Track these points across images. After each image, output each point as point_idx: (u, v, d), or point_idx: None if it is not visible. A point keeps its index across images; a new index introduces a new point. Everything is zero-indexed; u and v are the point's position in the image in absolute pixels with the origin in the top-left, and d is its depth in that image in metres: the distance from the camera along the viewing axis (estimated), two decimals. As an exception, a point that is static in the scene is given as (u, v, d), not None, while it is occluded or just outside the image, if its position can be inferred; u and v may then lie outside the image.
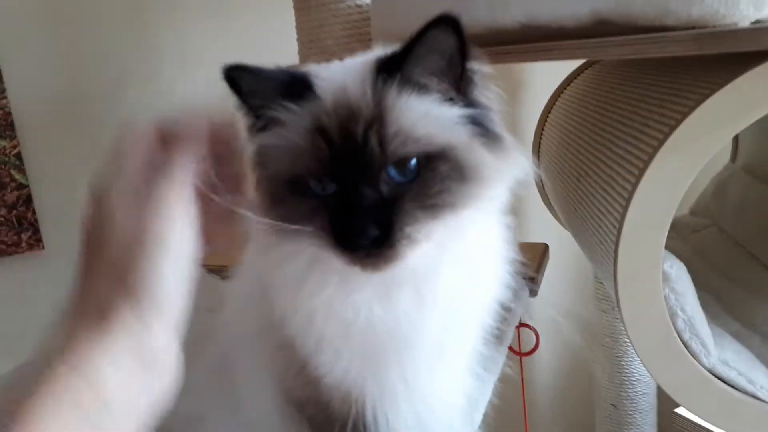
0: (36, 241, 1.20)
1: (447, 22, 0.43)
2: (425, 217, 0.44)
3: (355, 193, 0.42)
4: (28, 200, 1.18)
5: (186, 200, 0.41)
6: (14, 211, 1.16)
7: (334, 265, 0.45)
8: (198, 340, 0.54)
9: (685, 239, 1.15)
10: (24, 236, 1.19)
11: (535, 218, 1.52)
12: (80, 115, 1.25)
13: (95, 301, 0.40)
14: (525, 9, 0.60)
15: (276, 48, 1.10)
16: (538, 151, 1.25)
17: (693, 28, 0.49)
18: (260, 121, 0.47)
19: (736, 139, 1.21)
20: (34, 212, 1.19)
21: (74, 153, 1.22)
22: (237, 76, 0.46)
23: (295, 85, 0.46)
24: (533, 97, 1.41)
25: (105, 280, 0.40)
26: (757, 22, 0.49)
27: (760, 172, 1.13)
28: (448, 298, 0.50)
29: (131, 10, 1.25)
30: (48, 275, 1.22)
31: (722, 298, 0.94)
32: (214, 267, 0.83)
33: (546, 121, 1.23)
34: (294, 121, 0.45)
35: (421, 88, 0.45)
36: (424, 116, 0.44)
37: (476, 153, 0.45)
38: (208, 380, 0.60)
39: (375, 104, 0.44)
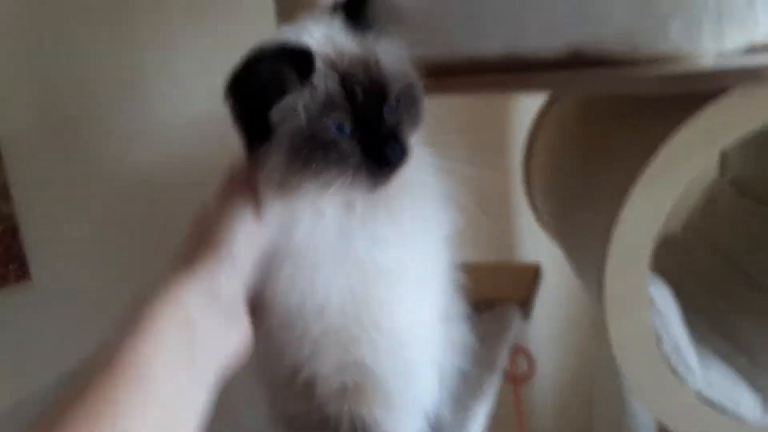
0: (23, 272, 1.19)
1: None
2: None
3: (377, 125, 0.50)
4: (15, 232, 1.18)
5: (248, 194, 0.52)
6: (0, 244, 1.16)
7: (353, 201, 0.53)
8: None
9: (677, 256, 1.16)
10: (11, 267, 1.18)
11: (527, 235, 1.52)
12: (67, 142, 1.25)
13: (186, 256, 0.50)
14: (504, 42, 0.61)
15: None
16: (528, 166, 1.25)
17: (661, 61, 0.50)
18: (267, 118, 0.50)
19: (724, 153, 1.21)
20: (20, 243, 1.19)
21: (61, 181, 1.22)
22: (247, 85, 0.49)
23: (303, 63, 0.49)
24: (524, 111, 1.42)
25: (195, 241, 0.51)
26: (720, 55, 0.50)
27: (748, 186, 1.13)
28: (414, 218, 0.56)
29: (115, 31, 1.25)
30: (36, 304, 1.22)
31: (712, 316, 0.95)
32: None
33: (537, 136, 1.24)
34: (313, 82, 0.49)
35: (381, 32, 0.53)
36: (395, 55, 0.52)
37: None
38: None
39: (368, 51, 0.51)
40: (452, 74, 0.70)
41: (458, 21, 0.65)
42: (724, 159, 1.22)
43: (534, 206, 1.29)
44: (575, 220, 0.83)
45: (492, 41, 0.62)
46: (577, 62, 0.56)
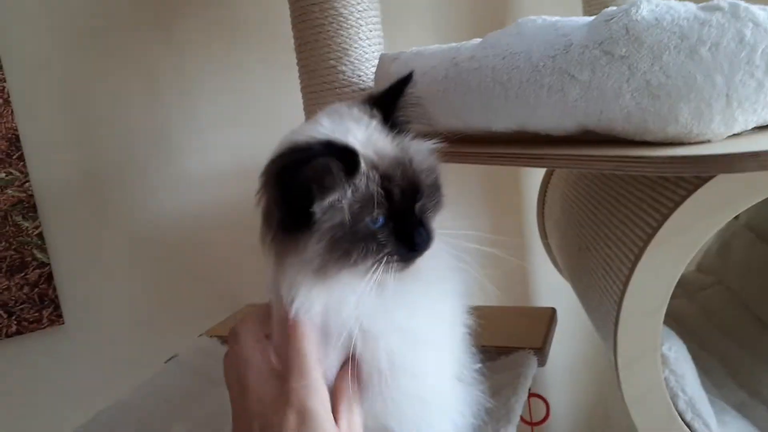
0: (57, 317, 1.24)
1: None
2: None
3: (409, 216, 0.55)
4: (49, 278, 1.23)
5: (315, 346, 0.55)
6: (36, 289, 1.21)
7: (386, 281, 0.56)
8: (218, 413, 0.58)
9: (692, 297, 1.16)
10: (45, 312, 1.23)
11: (542, 278, 1.53)
12: (98, 192, 1.30)
13: None
14: (516, 120, 0.64)
15: (283, 112, 1.14)
16: (542, 212, 1.27)
17: (671, 143, 0.52)
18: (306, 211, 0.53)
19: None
20: (54, 289, 1.23)
21: (93, 228, 1.27)
22: (303, 175, 0.51)
23: (350, 163, 0.53)
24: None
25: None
26: (733, 136, 0.52)
27: (763, 230, 1.14)
28: (438, 287, 0.61)
29: (142, 83, 1.31)
30: (69, 347, 1.27)
31: (728, 362, 0.95)
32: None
33: (549, 181, 1.26)
34: (355, 182, 0.54)
35: (409, 131, 0.59)
36: (424, 152, 0.58)
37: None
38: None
39: (403, 151, 0.57)
40: (467, 143, 0.73)
41: (472, 102, 0.68)
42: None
43: (548, 249, 1.31)
44: (588, 269, 0.85)
45: (504, 120, 0.65)
46: (587, 138, 0.59)
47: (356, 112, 0.59)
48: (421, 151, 0.58)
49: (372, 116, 0.58)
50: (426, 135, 0.60)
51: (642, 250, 0.68)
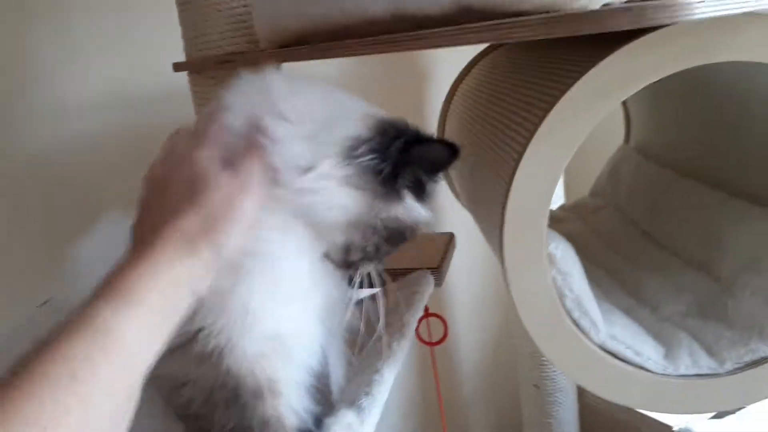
0: None
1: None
2: None
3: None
4: None
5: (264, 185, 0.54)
6: None
7: None
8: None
9: (585, 220, 1.19)
10: None
11: (444, 206, 1.53)
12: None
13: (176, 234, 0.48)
14: (393, 1, 0.60)
15: (163, 45, 1.05)
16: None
17: (548, 12, 0.50)
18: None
19: (628, 119, 1.26)
20: None
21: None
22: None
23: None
24: (438, 86, 1.43)
25: (191, 220, 0.49)
26: (606, 4, 0.51)
27: (651, 151, 1.18)
28: None
29: (8, 10, 1.18)
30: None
31: (616, 274, 0.98)
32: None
33: (448, 109, 1.25)
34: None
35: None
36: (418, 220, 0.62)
37: None
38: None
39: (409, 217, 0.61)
40: (346, 37, 0.69)
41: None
42: (629, 125, 1.26)
43: (448, 178, 1.30)
44: (479, 181, 0.84)
45: (380, 2, 0.61)
46: (466, 18, 0.56)
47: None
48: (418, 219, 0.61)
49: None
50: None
51: (524, 146, 0.67)
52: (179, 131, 0.58)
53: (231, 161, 0.53)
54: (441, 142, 0.62)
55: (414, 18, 0.59)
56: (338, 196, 0.56)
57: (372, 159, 0.56)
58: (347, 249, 0.59)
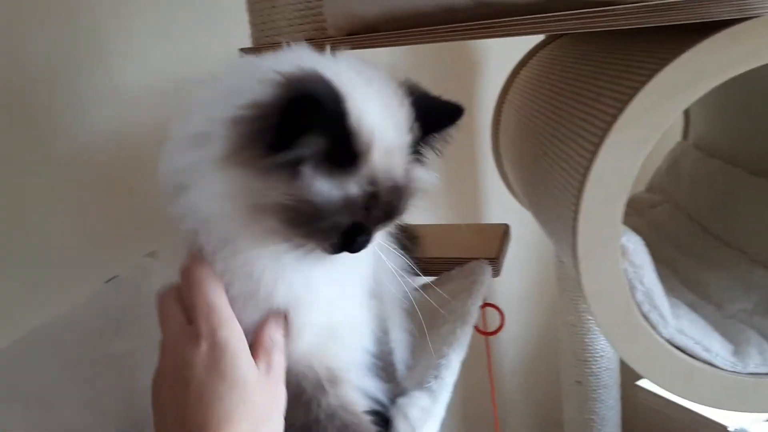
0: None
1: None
2: None
3: (366, 229, 0.53)
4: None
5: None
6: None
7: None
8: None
9: (642, 215, 1.18)
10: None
11: (495, 200, 1.53)
12: (25, 110, 1.20)
13: None
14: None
15: (227, 30, 1.07)
16: (497, 132, 1.25)
17: (639, 1, 0.50)
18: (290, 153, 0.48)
19: (687, 116, 1.24)
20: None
21: (20, 153, 1.17)
22: (313, 107, 0.46)
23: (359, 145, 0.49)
24: (491, 78, 1.42)
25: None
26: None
27: (710, 147, 1.16)
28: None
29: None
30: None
31: (677, 270, 0.97)
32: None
33: (504, 101, 1.24)
34: (348, 178, 0.50)
35: (423, 161, 0.56)
36: (422, 182, 0.56)
37: None
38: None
39: (408, 178, 0.54)
40: (422, 24, 0.69)
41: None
42: (687, 121, 1.24)
43: (502, 171, 1.30)
44: (545, 172, 0.84)
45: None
46: (552, 6, 0.56)
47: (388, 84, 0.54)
48: (421, 181, 0.56)
49: (402, 104, 0.53)
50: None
51: (602, 137, 0.66)
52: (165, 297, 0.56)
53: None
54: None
55: (498, 6, 0.59)
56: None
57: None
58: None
